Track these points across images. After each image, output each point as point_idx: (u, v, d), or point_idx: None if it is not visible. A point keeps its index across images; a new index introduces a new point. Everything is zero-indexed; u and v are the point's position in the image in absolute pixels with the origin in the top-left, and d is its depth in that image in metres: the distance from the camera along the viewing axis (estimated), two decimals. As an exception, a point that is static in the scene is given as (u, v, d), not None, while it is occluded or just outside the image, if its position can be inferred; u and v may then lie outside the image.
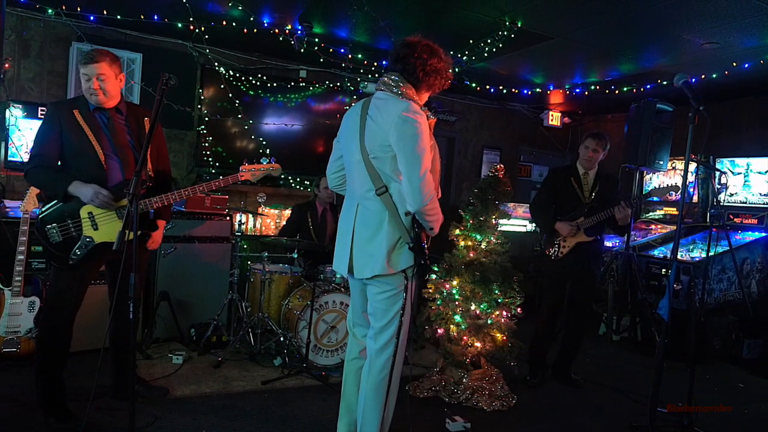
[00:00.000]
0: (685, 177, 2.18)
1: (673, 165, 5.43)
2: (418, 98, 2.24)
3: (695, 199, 5.31)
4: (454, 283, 3.46)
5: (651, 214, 5.76)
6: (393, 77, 2.22)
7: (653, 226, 5.60)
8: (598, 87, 5.58)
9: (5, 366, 3.20)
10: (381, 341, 2.26)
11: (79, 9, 4.23)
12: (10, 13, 4.35)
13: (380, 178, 2.18)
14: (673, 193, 4.12)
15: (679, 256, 4.64)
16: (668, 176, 5.56)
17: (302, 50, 4.54)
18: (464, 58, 4.70)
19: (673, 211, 5.51)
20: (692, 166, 4.98)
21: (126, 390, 2.83)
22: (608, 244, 5.20)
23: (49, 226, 2.47)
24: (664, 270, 4.61)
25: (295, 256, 4.04)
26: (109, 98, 2.54)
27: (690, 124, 2.04)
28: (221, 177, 2.73)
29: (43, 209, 2.53)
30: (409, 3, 3.85)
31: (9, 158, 4.26)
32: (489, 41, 4.38)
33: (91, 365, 2.74)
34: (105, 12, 4.24)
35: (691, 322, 3.44)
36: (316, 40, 4.65)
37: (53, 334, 2.52)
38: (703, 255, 4.18)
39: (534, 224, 3.94)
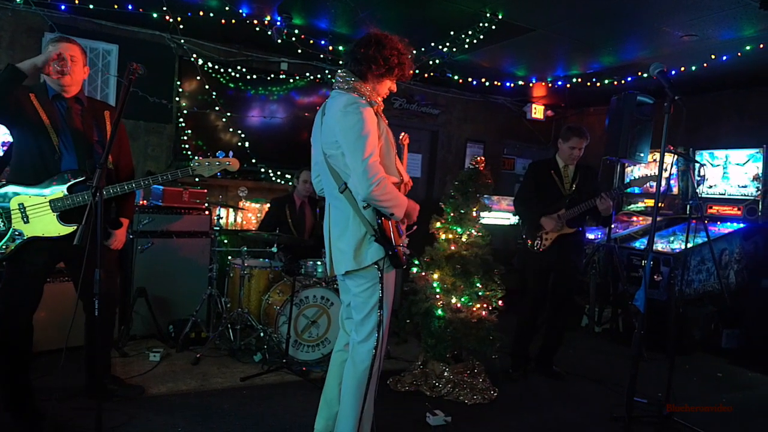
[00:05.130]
0: (660, 167, 2.18)
1: (654, 157, 5.47)
2: (372, 89, 2.27)
3: (675, 191, 5.35)
4: (435, 276, 3.44)
5: (632, 206, 5.79)
6: (342, 73, 2.28)
7: (635, 218, 5.64)
8: (579, 80, 5.59)
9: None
10: (362, 333, 2.29)
11: (49, -2, 4.11)
12: (-23, 2, 4.22)
13: (340, 176, 2.22)
14: (653, 183, 4.15)
15: (659, 248, 4.70)
16: (649, 168, 5.60)
17: (279, 41, 4.47)
18: (445, 50, 4.66)
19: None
20: (673, 158, 5.02)
21: (100, 389, 2.77)
22: (590, 236, 5.22)
23: None
24: (645, 261, 4.64)
25: (275, 250, 3.98)
26: (73, 83, 2.48)
27: (665, 113, 2.03)
28: (179, 170, 2.63)
29: None
30: (389, -7, 3.81)
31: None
32: (470, 33, 4.34)
33: (66, 364, 2.67)
34: (76, 1, 4.12)
35: (670, 313, 3.47)
36: (296, 31, 4.58)
37: (9, 334, 2.43)
38: (683, 246, 4.21)
39: (519, 218, 3.95)
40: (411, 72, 2.37)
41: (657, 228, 5.17)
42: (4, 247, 2.36)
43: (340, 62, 5.37)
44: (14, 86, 2.27)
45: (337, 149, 2.18)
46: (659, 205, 2.30)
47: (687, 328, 4.56)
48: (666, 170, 5.32)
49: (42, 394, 2.61)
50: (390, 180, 2.17)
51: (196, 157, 2.66)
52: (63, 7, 4.27)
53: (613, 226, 4.76)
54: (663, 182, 5.31)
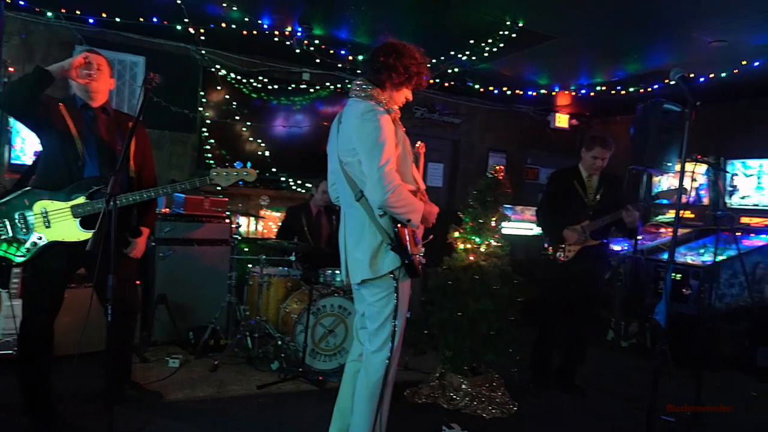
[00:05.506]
0: (681, 176, 2.10)
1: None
2: (389, 98, 2.25)
3: (706, 201, 5.17)
4: (454, 286, 3.38)
5: (660, 217, 5.62)
6: (358, 81, 2.28)
7: (662, 229, 5.47)
8: (604, 88, 5.48)
9: (1, 369, 3.18)
10: (376, 343, 2.27)
11: (78, 12, 4.24)
12: (14, 17, 4.39)
13: (356, 184, 2.21)
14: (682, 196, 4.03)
15: (689, 260, 4.54)
16: (678, 178, 5.43)
17: (298, 51, 4.53)
18: (464, 58, 4.63)
19: (684, 213, 5.37)
20: (703, 167, 4.86)
21: (118, 393, 2.82)
22: (616, 248, 5.08)
23: None
24: (673, 274, 4.49)
25: (293, 258, 3.99)
26: (98, 92, 2.55)
27: (686, 120, 1.96)
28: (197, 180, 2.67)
29: None
30: (409, 3, 3.81)
31: (12, 161, 4.30)
32: (490, 41, 4.31)
33: (88, 368, 2.72)
34: (104, 15, 4.25)
35: (700, 328, 3.33)
36: (317, 41, 4.63)
37: (32, 337, 2.49)
38: (714, 259, 4.06)
39: (541, 230, 3.88)
40: (427, 81, 2.37)
41: (687, 240, 5.03)
42: (25, 250, 2.42)
43: (358, 71, 5.39)
44: (42, 88, 2.32)
45: (353, 156, 2.17)
46: (691, 215, 2.21)
47: (718, 344, 4.37)
48: (695, 180, 5.16)
49: (62, 397, 2.66)
50: (406, 188, 2.16)
51: (215, 167, 2.70)
52: (91, 21, 4.40)
53: (640, 237, 4.62)
54: (693, 192, 5.16)
